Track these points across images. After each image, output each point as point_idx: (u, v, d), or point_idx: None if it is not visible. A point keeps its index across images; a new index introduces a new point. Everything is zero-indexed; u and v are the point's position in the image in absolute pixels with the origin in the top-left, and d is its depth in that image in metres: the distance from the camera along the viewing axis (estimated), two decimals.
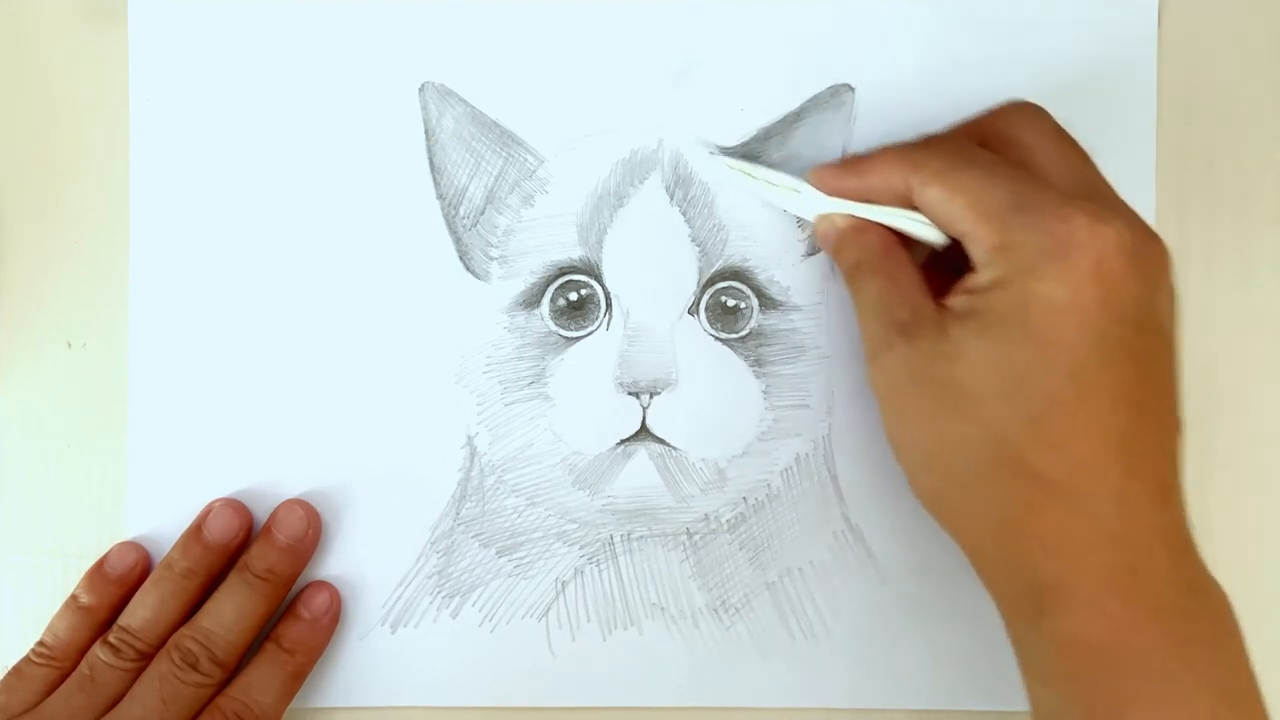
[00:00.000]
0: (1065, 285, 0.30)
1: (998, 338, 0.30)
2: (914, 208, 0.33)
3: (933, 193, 0.32)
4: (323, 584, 0.38)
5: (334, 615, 0.38)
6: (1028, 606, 0.31)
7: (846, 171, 0.34)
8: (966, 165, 0.32)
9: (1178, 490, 0.31)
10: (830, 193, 0.35)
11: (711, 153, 0.38)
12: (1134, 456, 0.30)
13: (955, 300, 0.32)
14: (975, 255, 0.32)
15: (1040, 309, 0.30)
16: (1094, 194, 0.32)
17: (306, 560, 0.38)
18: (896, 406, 0.33)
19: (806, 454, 0.39)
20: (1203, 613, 0.30)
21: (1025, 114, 0.34)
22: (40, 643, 0.37)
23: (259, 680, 0.36)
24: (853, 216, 0.34)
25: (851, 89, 0.38)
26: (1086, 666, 0.30)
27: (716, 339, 0.38)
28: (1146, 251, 0.30)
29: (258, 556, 0.37)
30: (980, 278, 0.31)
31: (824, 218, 0.35)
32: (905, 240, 0.34)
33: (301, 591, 0.38)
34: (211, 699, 0.36)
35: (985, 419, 0.31)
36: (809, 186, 0.35)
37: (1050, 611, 0.30)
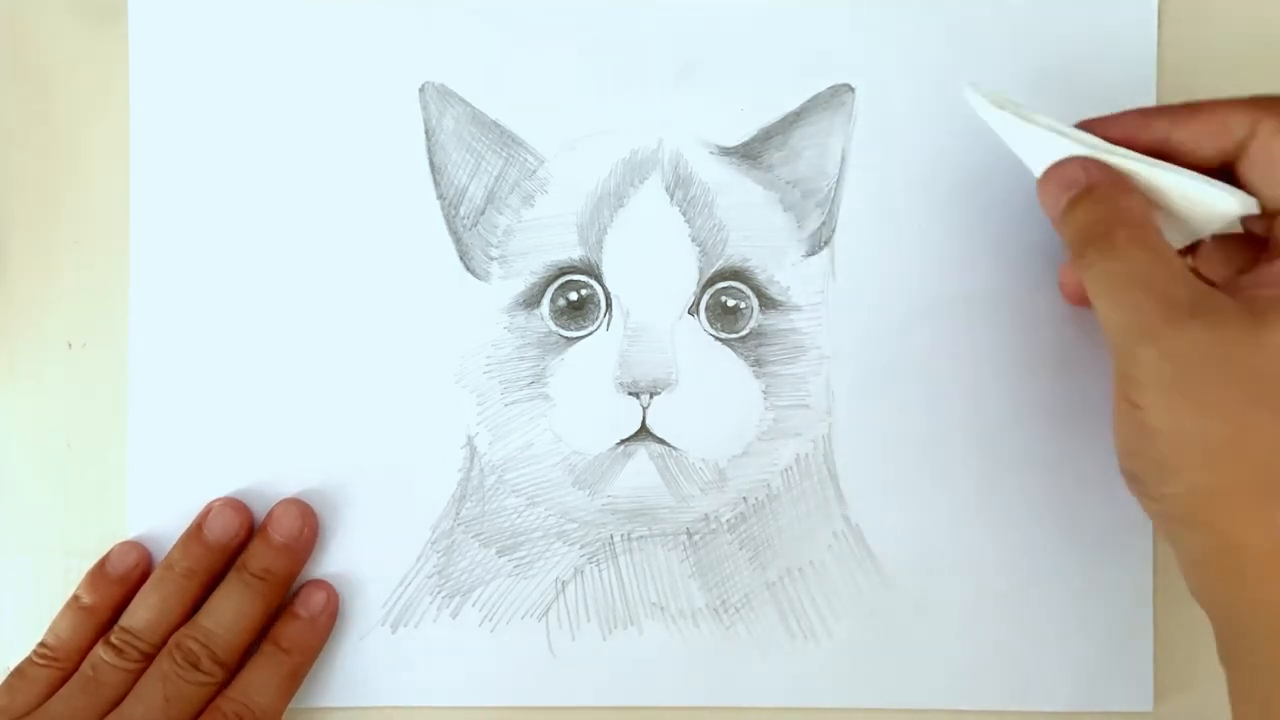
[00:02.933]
0: None
1: None
2: (1216, 172, 0.30)
3: None
4: (320, 583, 0.38)
5: (331, 614, 0.38)
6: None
7: (1158, 112, 0.31)
8: None
9: None
10: (1121, 140, 0.31)
11: (974, 94, 0.34)
12: None
13: (1276, 290, 0.28)
14: None
15: None
16: None
17: (304, 559, 0.38)
18: (1180, 391, 0.29)
19: (806, 454, 0.39)
20: None
21: None
22: (42, 643, 0.37)
23: (257, 680, 0.36)
24: (1115, 169, 0.30)
25: (851, 89, 0.38)
26: None
27: (716, 339, 0.38)
28: None
29: (254, 556, 0.37)
30: None
31: (1070, 162, 0.31)
32: None
33: (299, 590, 0.38)
34: (212, 698, 0.36)
35: None
36: (1080, 132, 0.32)
37: None
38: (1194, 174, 0.30)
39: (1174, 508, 0.29)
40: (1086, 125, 0.32)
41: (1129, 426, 0.30)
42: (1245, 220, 0.31)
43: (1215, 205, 0.30)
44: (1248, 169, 0.30)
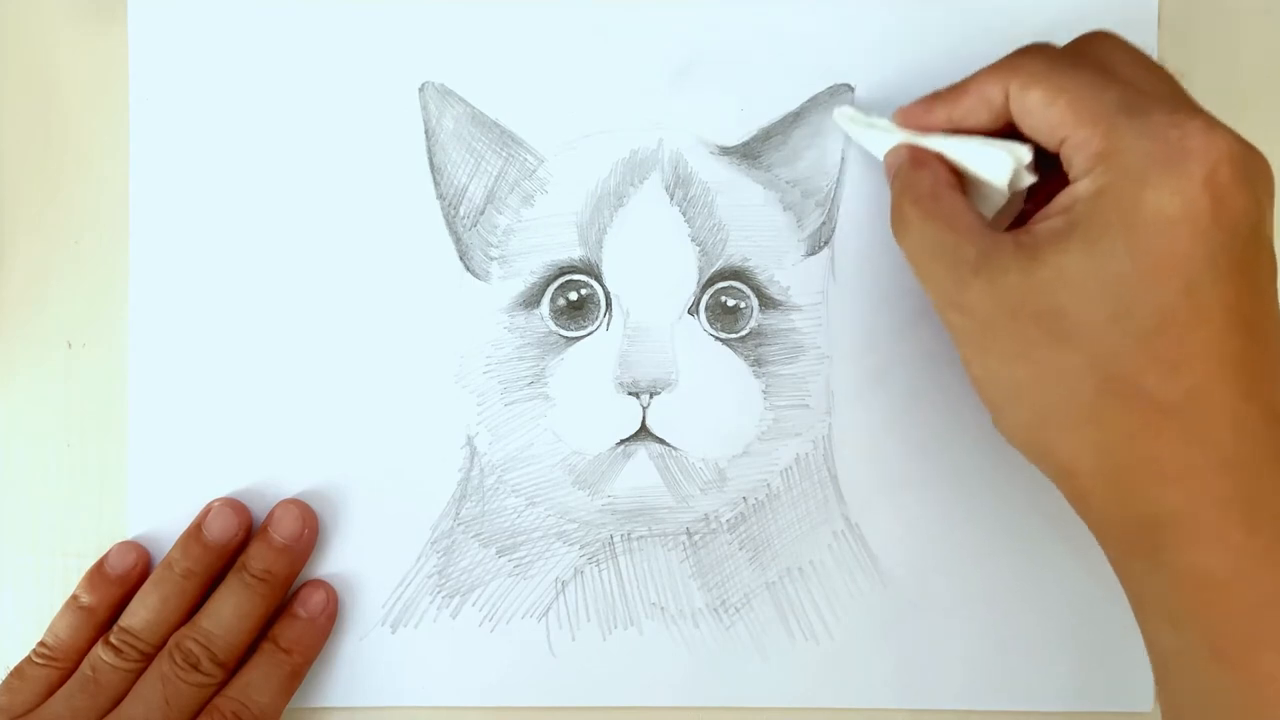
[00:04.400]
0: (1178, 194, 0.28)
1: (1104, 252, 0.29)
2: (1006, 132, 0.32)
3: (1034, 96, 0.30)
4: (319, 583, 0.38)
5: (331, 614, 0.38)
6: (1143, 541, 0.29)
7: (936, 97, 0.33)
8: (1070, 67, 0.30)
9: None
10: (916, 126, 0.34)
11: (841, 110, 0.37)
12: (1248, 378, 0.28)
13: (1048, 223, 0.30)
14: (1076, 164, 0.30)
15: (1150, 219, 0.28)
16: (1190, 103, 0.30)
17: (304, 560, 0.38)
18: (983, 345, 0.31)
19: (806, 454, 0.39)
20: None
21: (1108, 39, 0.32)
22: (41, 643, 0.37)
23: (257, 680, 0.36)
24: (916, 148, 0.33)
25: (851, 89, 0.38)
26: (1211, 602, 0.28)
27: (716, 339, 0.38)
28: (1254, 163, 0.29)
29: (255, 557, 0.37)
30: (1080, 188, 0.29)
31: (893, 151, 0.34)
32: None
33: (298, 590, 0.38)
34: (212, 698, 0.36)
35: (1091, 344, 0.29)
36: (889, 124, 0.35)
37: (1169, 545, 0.29)
38: (976, 139, 0.32)
39: (1015, 443, 0.32)
40: (899, 113, 0.35)
41: (968, 376, 0.32)
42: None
43: (994, 162, 0.32)
44: (1019, 126, 0.32)
